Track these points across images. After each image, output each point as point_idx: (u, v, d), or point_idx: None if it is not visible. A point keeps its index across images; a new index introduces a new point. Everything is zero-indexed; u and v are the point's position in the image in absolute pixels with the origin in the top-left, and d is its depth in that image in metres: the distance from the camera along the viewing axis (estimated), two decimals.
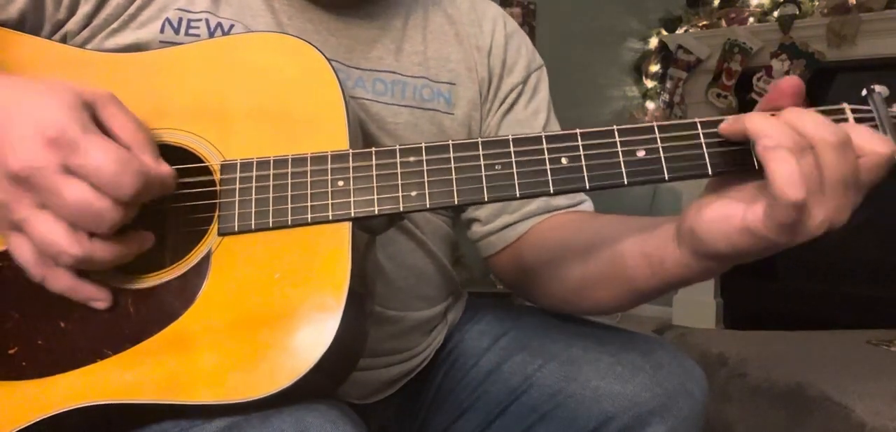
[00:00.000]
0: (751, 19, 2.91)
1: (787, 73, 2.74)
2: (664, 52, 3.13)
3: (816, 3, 2.77)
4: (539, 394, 0.69)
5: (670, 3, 3.16)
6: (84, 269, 0.49)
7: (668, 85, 3.09)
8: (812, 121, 0.47)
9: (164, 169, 0.50)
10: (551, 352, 0.71)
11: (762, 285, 2.94)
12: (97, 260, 0.48)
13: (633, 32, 3.31)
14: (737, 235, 0.49)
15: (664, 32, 3.16)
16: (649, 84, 3.20)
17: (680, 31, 3.11)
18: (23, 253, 0.48)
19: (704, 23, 3.04)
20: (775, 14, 2.85)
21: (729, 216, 0.49)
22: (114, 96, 0.50)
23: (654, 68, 3.18)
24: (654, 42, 3.18)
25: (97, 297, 0.51)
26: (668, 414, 0.64)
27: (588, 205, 0.78)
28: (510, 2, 3.38)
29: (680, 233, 0.54)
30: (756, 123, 0.48)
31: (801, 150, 0.46)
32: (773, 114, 0.49)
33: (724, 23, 2.98)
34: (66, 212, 0.46)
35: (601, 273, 0.63)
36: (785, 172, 0.45)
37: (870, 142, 0.47)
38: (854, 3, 2.64)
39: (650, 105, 3.17)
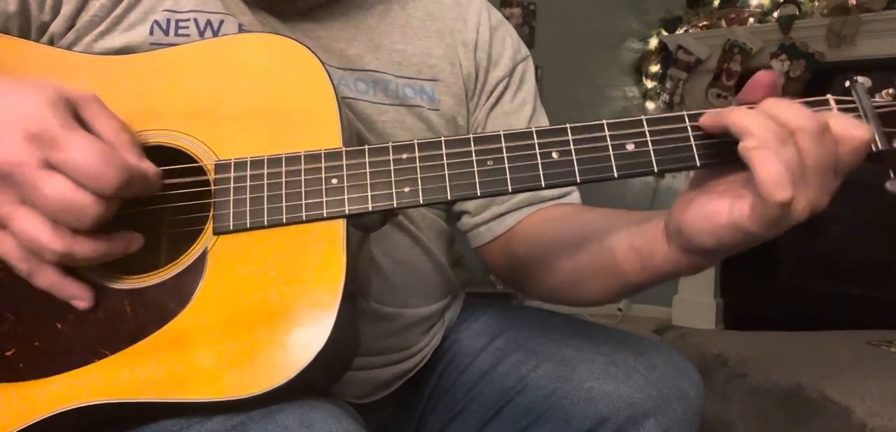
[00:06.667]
0: (751, 19, 2.92)
1: (787, 73, 2.74)
2: (664, 53, 3.13)
3: (816, 4, 2.77)
4: (533, 395, 0.69)
5: (670, 3, 3.17)
6: (71, 266, 0.49)
7: (668, 85, 3.09)
8: (790, 110, 0.48)
9: (147, 165, 0.50)
10: (545, 353, 0.71)
11: (762, 285, 2.94)
12: (80, 256, 0.48)
13: (633, 32, 3.31)
14: (723, 232, 0.50)
15: (664, 33, 3.16)
16: (649, 84, 3.20)
17: (680, 31, 3.12)
18: (7, 249, 0.48)
19: (704, 23, 3.04)
20: (775, 14, 2.85)
21: (715, 213, 0.50)
22: (97, 97, 0.50)
23: (654, 69, 3.18)
24: (654, 42, 3.19)
25: (79, 296, 0.51)
26: (663, 415, 0.64)
27: (575, 197, 0.78)
28: (510, 2, 3.38)
29: (668, 229, 0.55)
30: (738, 118, 0.48)
31: (783, 140, 0.47)
32: (751, 107, 0.50)
33: (723, 23, 2.98)
34: (46, 207, 0.46)
35: (592, 266, 0.64)
36: (772, 172, 0.46)
37: (847, 128, 0.49)
38: (854, 3, 2.64)
39: (650, 105, 3.17)
